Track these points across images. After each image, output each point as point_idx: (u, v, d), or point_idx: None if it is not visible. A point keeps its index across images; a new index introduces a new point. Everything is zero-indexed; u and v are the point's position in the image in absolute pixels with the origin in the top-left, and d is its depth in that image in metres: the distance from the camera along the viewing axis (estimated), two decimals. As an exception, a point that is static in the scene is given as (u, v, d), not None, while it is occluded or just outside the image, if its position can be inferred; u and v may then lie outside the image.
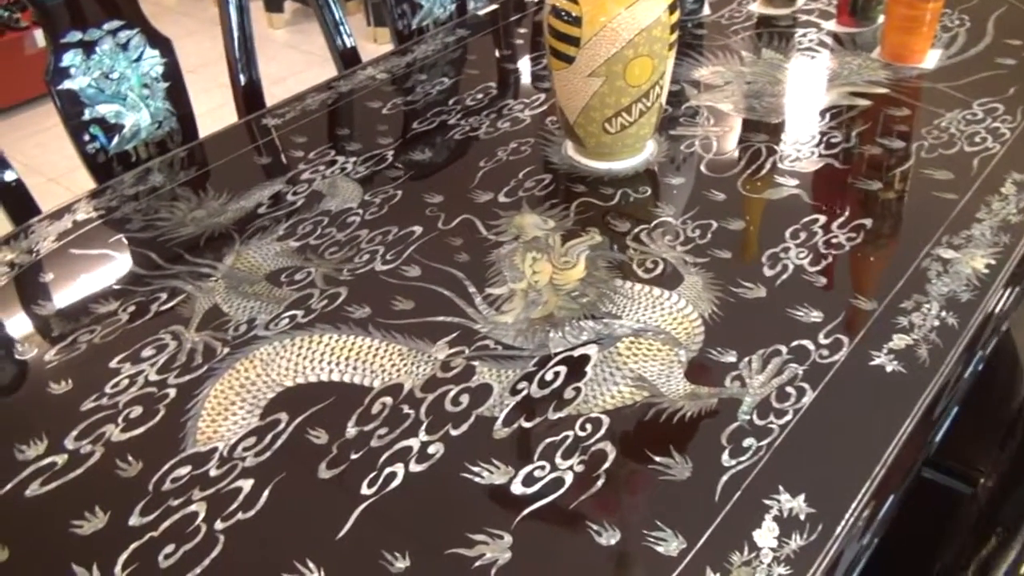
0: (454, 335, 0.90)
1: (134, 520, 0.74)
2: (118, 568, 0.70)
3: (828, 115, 1.26)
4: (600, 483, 0.74)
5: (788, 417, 0.79)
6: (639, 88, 1.09)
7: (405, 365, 0.87)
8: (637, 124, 1.12)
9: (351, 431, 0.80)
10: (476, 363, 0.87)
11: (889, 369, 0.83)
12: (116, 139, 1.32)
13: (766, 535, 0.69)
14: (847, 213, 1.05)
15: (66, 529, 0.73)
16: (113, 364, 0.90)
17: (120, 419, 0.83)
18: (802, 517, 0.70)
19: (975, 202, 1.05)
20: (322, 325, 0.93)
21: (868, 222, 1.03)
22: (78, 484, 0.77)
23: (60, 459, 0.79)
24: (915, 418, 0.78)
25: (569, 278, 0.97)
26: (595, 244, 1.03)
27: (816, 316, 0.89)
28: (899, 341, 0.86)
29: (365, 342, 0.90)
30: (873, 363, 0.84)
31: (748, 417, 0.79)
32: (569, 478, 0.74)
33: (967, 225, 1.01)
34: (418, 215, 1.10)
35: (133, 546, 0.71)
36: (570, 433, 0.78)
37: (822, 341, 0.86)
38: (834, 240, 1.01)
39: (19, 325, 0.97)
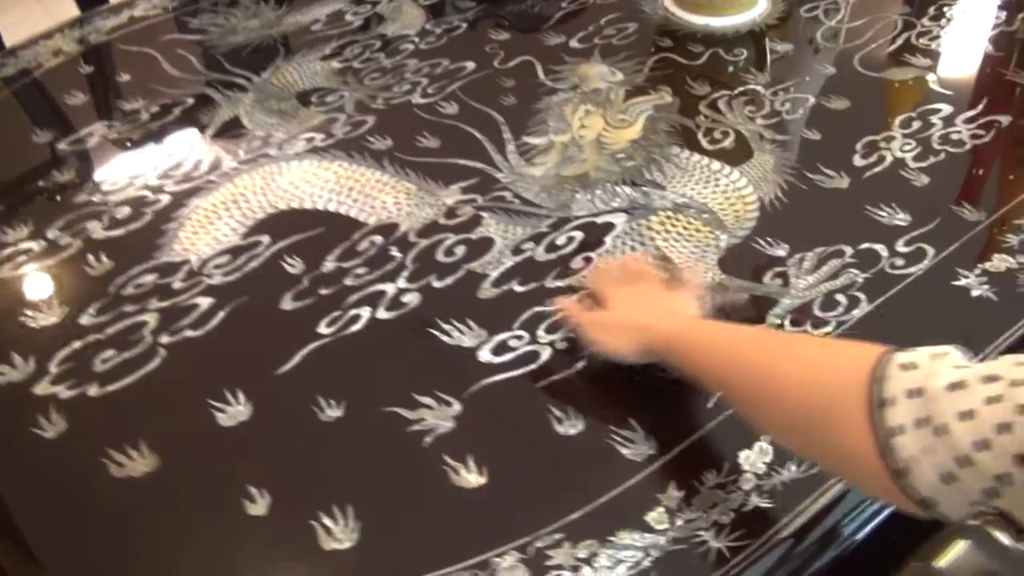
0: (471, 181, 0.80)
1: (85, 319, 0.69)
2: (53, 364, 0.66)
3: (994, -9, 1.03)
4: (580, 365, 0.63)
5: (828, 328, 0.65)
6: (752, -74, 0.90)
7: (408, 206, 0.78)
8: (746, -27, 0.95)
9: (329, 265, 0.72)
10: (485, 214, 0.76)
11: (976, 293, 0.66)
12: (195, -60, 1.25)
13: (755, 459, 0.57)
14: (981, 106, 0.85)
15: (19, 317, 0.70)
16: (118, 161, 0.85)
17: (106, 217, 0.79)
18: (806, 446, 0.57)
19: None
20: (336, 152, 0.84)
21: (1005, 120, 0.83)
22: (45, 274, 0.74)
23: (37, 246, 0.76)
24: (991, 355, 0.62)
25: (620, 138, 0.84)
26: (662, 104, 0.88)
27: (902, 219, 0.73)
28: (999, 262, 0.69)
29: (374, 175, 0.81)
30: (958, 283, 0.67)
31: (779, 322, 0.65)
32: (546, 354, 0.64)
33: None
34: (476, 51, 0.98)
35: (76, 345, 0.67)
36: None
37: (900, 248, 0.70)
38: (954, 135, 0.82)
39: (43, 113, 0.94)
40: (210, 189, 0.81)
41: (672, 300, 0.62)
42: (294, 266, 0.72)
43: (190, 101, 0.93)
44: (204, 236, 0.76)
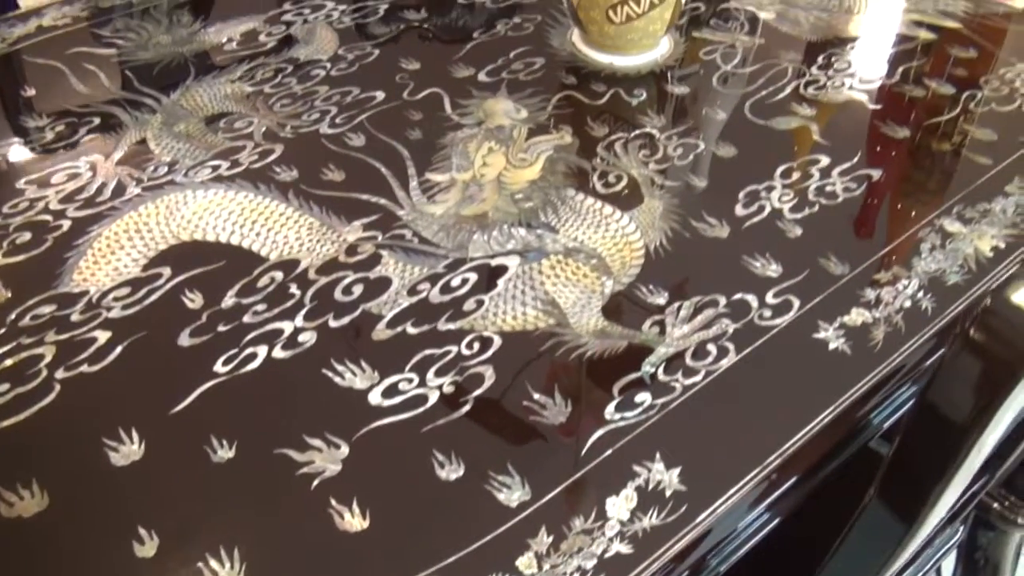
0: (373, 218, 0.82)
1: (-21, 351, 0.69)
2: (-55, 399, 0.66)
3: (879, 44, 1.10)
4: (465, 410, 0.67)
5: (697, 378, 0.69)
6: (652, -25, 0.94)
7: (310, 241, 0.80)
8: (646, 18, 0.99)
9: (228, 301, 0.74)
10: (384, 252, 0.79)
11: (832, 346, 0.72)
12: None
13: (621, 505, 0.61)
14: (856, 159, 0.91)
15: (-90, 348, 0.70)
16: (20, 184, 0.85)
17: (5, 243, 0.78)
18: (668, 493, 0.62)
19: (1009, 172, 0.90)
20: (243, 182, 0.85)
21: (876, 173, 0.89)
22: (-61, 303, 0.73)
23: (-68, 273, 0.75)
24: (837, 409, 0.67)
25: (519, 178, 0.87)
26: (562, 145, 0.92)
27: (774, 270, 0.78)
28: (856, 316, 0.74)
29: (279, 208, 0.83)
30: (817, 336, 0.73)
31: (652, 370, 0.70)
32: (434, 398, 0.67)
33: (989, 197, 0.87)
34: (386, 80, 1.00)
35: (-32, 378, 0.67)
36: (453, 349, 0.71)
37: (769, 300, 0.75)
38: (829, 187, 0.87)
39: (-57, 126, 0.92)
40: (113, 216, 0.81)
41: None
42: (194, 301, 0.74)
43: (96, 121, 0.93)
44: (105, 266, 0.77)
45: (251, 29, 1.07)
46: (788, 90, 1.00)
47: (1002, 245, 0.81)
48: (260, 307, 0.73)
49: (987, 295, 0.38)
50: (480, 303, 0.74)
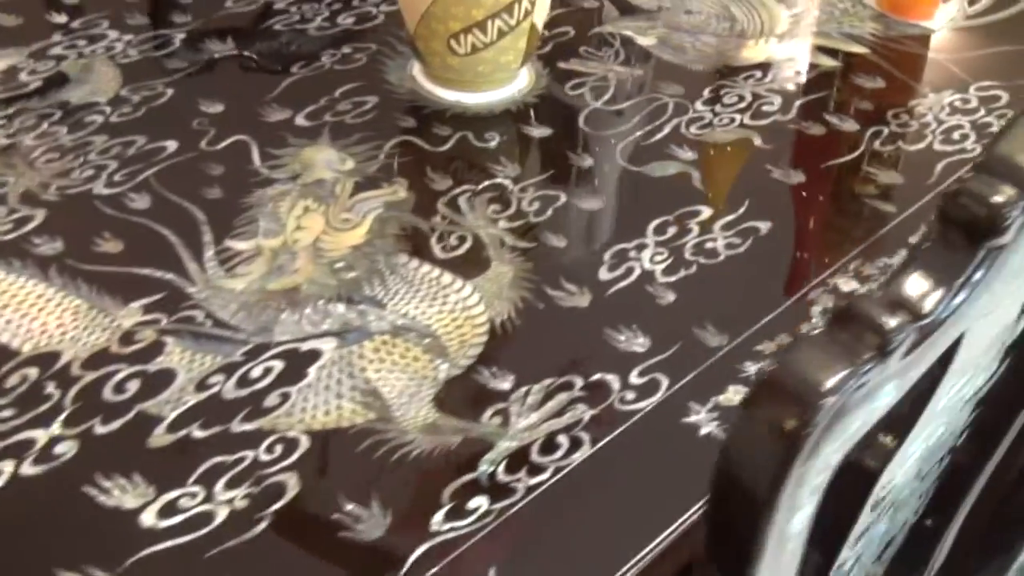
0: (156, 297, 0.86)
1: None
2: None
3: (775, 73, 1.21)
4: (260, 528, 0.71)
5: (544, 476, 0.75)
6: (497, -1, 1.03)
7: (75, 328, 0.83)
8: (496, 48, 1.07)
9: (-34, 407, 0.77)
10: (169, 339, 0.83)
11: (704, 431, 0.79)
12: None
13: (445, 634, 0.66)
14: (742, 209, 1.00)
15: None
16: None
17: None
18: (502, 616, 0.67)
19: (916, 221, 1.01)
20: (-9, 257, 0.89)
21: (764, 226, 0.99)
22: None
23: None
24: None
25: (341, 243, 0.93)
26: (394, 201, 0.98)
27: (640, 344, 0.85)
28: (733, 395, 0.82)
29: (37, 288, 0.86)
30: (687, 420, 0.80)
31: (490, 469, 0.75)
32: (222, 515, 0.71)
33: (892, 251, 0.97)
34: (181, 126, 1.05)
35: None
36: (250, 454, 0.75)
37: (633, 380, 0.82)
38: (709, 244, 0.96)
39: None
40: None
41: None
42: (-79, 408, 0.76)
43: None
44: None
45: (10, 66, 1.11)
46: (667, 130, 1.10)
47: (903, 305, 0.91)
48: (8, 412, 0.76)
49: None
50: (285, 397, 0.79)
